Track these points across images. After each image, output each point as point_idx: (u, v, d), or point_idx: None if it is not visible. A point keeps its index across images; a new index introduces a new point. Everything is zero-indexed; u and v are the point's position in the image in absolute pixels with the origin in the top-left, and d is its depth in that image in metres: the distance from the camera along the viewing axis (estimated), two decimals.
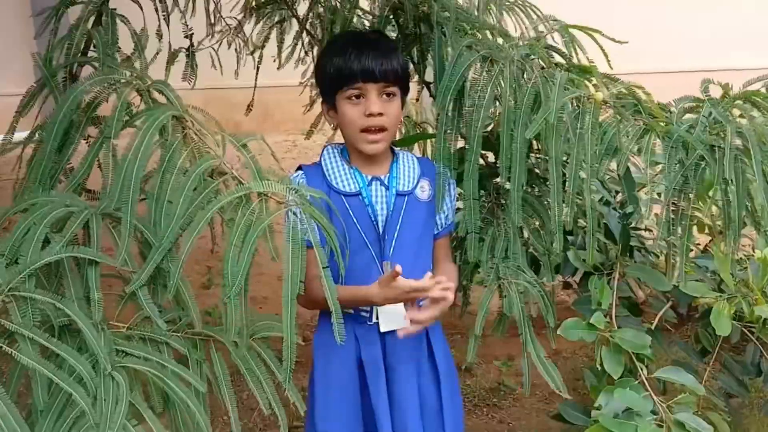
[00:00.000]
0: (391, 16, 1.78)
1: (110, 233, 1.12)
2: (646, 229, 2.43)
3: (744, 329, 1.92)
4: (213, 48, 2.64)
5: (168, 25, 1.84)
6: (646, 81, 1.63)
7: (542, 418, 2.41)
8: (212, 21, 2.66)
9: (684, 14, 6.67)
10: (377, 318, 1.44)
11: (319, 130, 2.41)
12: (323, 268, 1.10)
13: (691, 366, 1.84)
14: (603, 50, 1.72)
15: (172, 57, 1.99)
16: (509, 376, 2.66)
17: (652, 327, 1.83)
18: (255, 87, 2.58)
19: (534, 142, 1.55)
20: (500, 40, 1.65)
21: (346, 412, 1.47)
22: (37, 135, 1.24)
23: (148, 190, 1.11)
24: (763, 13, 6.87)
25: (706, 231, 2.53)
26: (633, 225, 2.16)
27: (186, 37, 2.00)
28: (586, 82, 1.51)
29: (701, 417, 1.63)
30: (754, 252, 2.07)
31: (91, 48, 1.42)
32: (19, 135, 1.36)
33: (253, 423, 2.35)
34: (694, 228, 2.20)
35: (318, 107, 1.82)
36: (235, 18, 2.68)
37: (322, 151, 1.52)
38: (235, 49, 2.72)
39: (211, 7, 2.63)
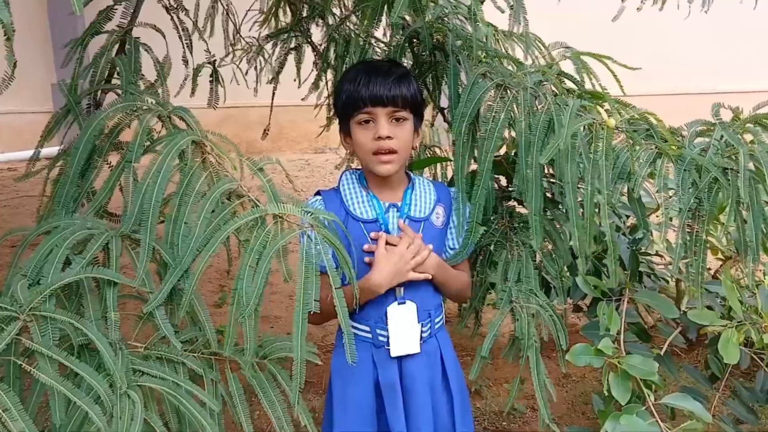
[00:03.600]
0: (407, 45, 1.81)
1: (129, 253, 1.16)
2: (656, 254, 2.44)
3: (754, 356, 1.92)
4: (234, 63, 2.69)
5: (191, 52, 1.88)
6: (658, 102, 1.65)
7: None
8: (232, 41, 2.73)
9: (696, 36, 6.68)
10: None
11: (330, 149, 2.45)
12: (336, 288, 1.12)
13: (700, 392, 1.84)
14: (615, 75, 1.75)
15: (195, 72, 2.03)
16: (519, 399, 2.65)
17: (662, 352, 1.84)
18: (271, 108, 2.63)
19: (546, 166, 1.57)
20: (513, 68, 1.68)
21: None
22: (61, 160, 1.28)
23: (166, 213, 1.14)
24: None
25: (720, 255, 2.53)
26: (642, 250, 2.18)
27: (210, 63, 2.05)
28: (598, 108, 1.53)
29: None
30: (764, 278, 2.08)
31: (115, 75, 1.46)
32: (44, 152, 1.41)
33: None
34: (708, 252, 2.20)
35: (333, 128, 1.87)
36: (254, 38, 2.75)
37: (341, 176, 1.56)
38: (255, 67, 2.78)
39: (230, 27, 2.70)
